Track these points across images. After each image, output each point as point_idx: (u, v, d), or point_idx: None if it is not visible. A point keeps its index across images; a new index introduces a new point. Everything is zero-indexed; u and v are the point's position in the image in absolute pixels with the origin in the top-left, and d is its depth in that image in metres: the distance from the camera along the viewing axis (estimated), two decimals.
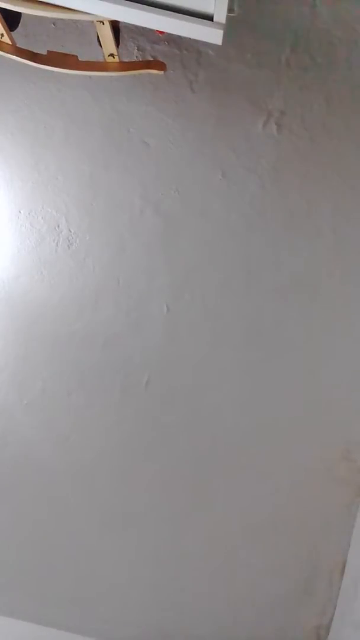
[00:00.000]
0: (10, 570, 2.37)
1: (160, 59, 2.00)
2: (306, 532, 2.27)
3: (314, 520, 2.26)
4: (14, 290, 2.22)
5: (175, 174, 2.10)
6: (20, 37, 1.94)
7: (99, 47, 1.82)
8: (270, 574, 2.29)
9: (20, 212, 2.16)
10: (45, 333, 2.23)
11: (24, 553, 2.36)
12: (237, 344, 2.19)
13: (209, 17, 1.41)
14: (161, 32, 1.89)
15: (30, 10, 1.56)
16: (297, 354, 2.18)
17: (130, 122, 2.07)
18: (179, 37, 1.90)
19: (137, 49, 2.01)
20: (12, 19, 1.79)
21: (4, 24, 1.68)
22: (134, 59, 2.01)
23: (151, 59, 2.00)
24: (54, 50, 1.84)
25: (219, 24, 1.42)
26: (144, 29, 1.93)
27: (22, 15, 1.82)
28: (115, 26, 1.76)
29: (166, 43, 2.00)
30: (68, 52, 1.82)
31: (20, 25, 1.88)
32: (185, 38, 1.91)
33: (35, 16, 1.61)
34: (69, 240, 2.17)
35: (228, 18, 1.41)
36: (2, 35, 1.72)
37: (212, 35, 1.44)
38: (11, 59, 1.78)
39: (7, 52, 1.76)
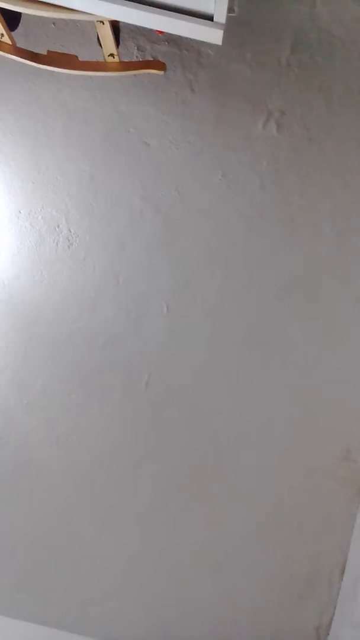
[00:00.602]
0: (10, 570, 2.37)
1: (160, 59, 2.00)
2: (306, 532, 2.27)
3: (314, 520, 2.26)
4: (14, 290, 2.22)
5: (175, 174, 2.10)
6: (20, 37, 1.94)
7: (99, 47, 1.82)
8: (270, 574, 2.29)
9: (20, 212, 2.16)
10: (45, 333, 2.23)
11: (24, 553, 2.36)
12: (237, 344, 2.19)
13: (209, 17, 1.42)
14: (161, 32, 1.89)
15: (30, 10, 1.56)
16: (297, 354, 2.18)
17: (130, 122, 2.07)
18: (179, 37, 1.89)
19: (137, 49, 2.01)
20: (12, 19, 1.79)
21: (4, 24, 1.68)
22: (134, 59, 2.01)
23: (151, 59, 2.01)
24: (54, 50, 1.84)
25: (219, 24, 1.42)
26: (144, 29, 1.93)
27: (22, 15, 1.82)
28: (115, 26, 1.76)
29: (166, 43, 2.00)
30: (68, 52, 1.82)
31: (20, 25, 1.88)
32: (185, 38, 1.91)
33: (35, 16, 1.61)
34: (69, 240, 2.17)
35: (228, 18, 1.42)
36: (2, 35, 1.72)
37: (212, 35, 1.44)
38: (11, 59, 1.78)
39: (7, 52, 1.76)
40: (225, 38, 1.45)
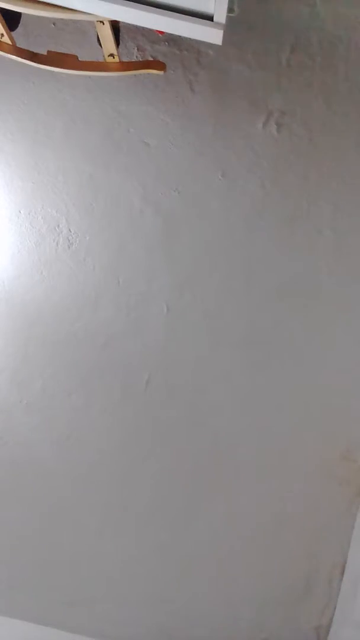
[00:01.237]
0: (10, 570, 2.37)
1: (160, 59, 2.00)
2: (306, 532, 2.27)
3: (314, 520, 2.26)
4: (14, 290, 2.22)
5: (175, 174, 2.10)
6: (20, 37, 1.94)
7: (99, 47, 1.81)
8: (270, 574, 2.29)
9: (20, 212, 2.16)
10: (45, 333, 2.23)
11: (24, 553, 2.36)
12: (237, 344, 2.19)
13: (209, 17, 1.41)
14: (161, 32, 1.89)
15: (30, 10, 1.56)
16: (297, 354, 2.18)
17: (130, 122, 2.07)
18: (179, 37, 1.90)
19: (137, 49, 2.01)
20: (12, 19, 1.78)
21: (4, 24, 1.68)
22: (134, 59, 2.01)
23: (151, 59, 2.00)
24: (54, 50, 1.84)
25: (219, 24, 1.42)
26: (144, 29, 1.93)
27: (22, 15, 1.82)
28: (115, 26, 1.76)
29: (166, 43, 1.99)
30: (68, 52, 1.82)
31: (20, 25, 1.88)
32: (185, 38, 1.91)
33: (35, 16, 1.61)
34: (69, 240, 2.17)
35: (228, 18, 1.41)
36: (2, 35, 1.72)
37: (212, 35, 1.44)
38: (11, 59, 1.78)
39: (7, 52, 1.75)
40: (225, 38, 1.45)
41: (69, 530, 2.33)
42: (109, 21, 1.63)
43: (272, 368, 2.20)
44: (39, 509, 2.33)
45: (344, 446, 2.22)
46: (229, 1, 1.37)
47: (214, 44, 1.49)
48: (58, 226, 2.16)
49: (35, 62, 1.78)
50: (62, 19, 1.93)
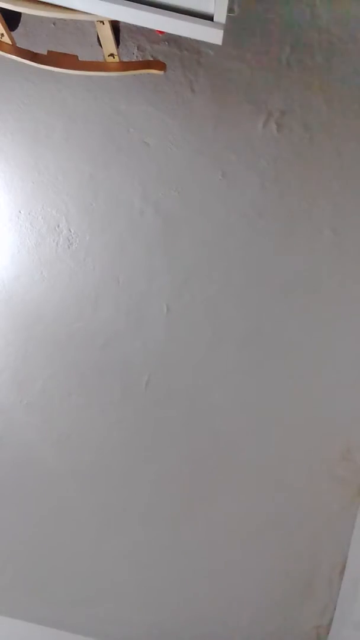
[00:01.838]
0: (10, 570, 2.37)
1: (160, 59, 2.00)
2: (306, 532, 2.27)
3: (314, 520, 2.26)
4: (14, 290, 2.22)
5: (175, 174, 2.10)
6: (20, 37, 1.94)
7: (99, 47, 1.81)
8: (270, 574, 2.29)
9: (20, 212, 2.16)
10: (45, 333, 2.23)
11: (24, 553, 2.36)
12: (237, 344, 2.19)
13: (209, 17, 1.41)
14: (161, 32, 1.89)
15: (30, 10, 1.56)
16: (297, 354, 2.18)
17: (130, 122, 2.07)
18: (179, 37, 1.90)
19: (137, 49, 2.01)
20: (12, 19, 1.79)
21: (4, 24, 1.68)
22: (134, 59, 2.01)
23: (151, 59, 2.00)
24: (54, 50, 1.83)
25: (219, 24, 1.42)
26: (144, 29, 1.93)
27: (22, 15, 1.82)
28: (115, 26, 1.76)
29: (166, 43, 1.99)
30: (68, 52, 1.82)
31: (20, 25, 1.88)
32: (185, 38, 1.91)
33: (35, 16, 1.61)
34: (69, 240, 2.17)
35: (228, 18, 1.41)
36: (2, 35, 1.72)
37: (212, 35, 1.44)
38: (11, 59, 1.78)
39: (7, 52, 1.75)
40: (225, 38, 1.45)
41: (69, 530, 2.33)
42: (109, 21, 1.63)
43: (272, 368, 2.20)
44: (39, 509, 2.32)
45: (344, 446, 2.22)
46: (229, 1, 1.37)
47: (214, 44, 1.49)
48: (58, 226, 2.16)
49: (35, 62, 1.78)
50: (62, 19, 1.93)
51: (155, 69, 1.88)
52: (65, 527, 2.33)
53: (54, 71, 1.81)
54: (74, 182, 2.13)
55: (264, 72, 2.00)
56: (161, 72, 1.90)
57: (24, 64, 1.78)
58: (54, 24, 2.01)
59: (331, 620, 2.29)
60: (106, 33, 1.69)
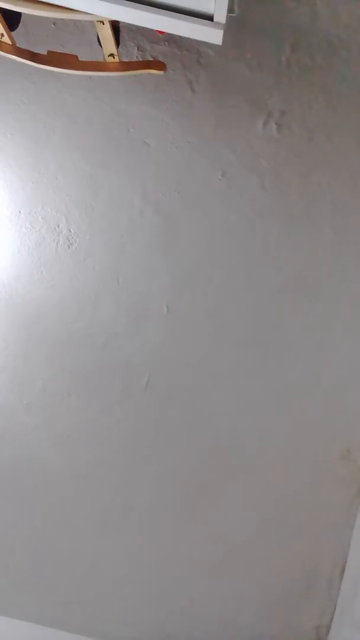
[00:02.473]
0: (10, 570, 2.37)
1: (160, 59, 1.99)
2: (306, 532, 2.27)
3: (314, 520, 2.26)
4: (14, 290, 2.22)
5: (176, 174, 2.10)
6: (20, 37, 1.94)
7: (99, 47, 1.81)
8: (270, 574, 2.29)
9: (20, 212, 2.16)
10: (45, 333, 2.23)
11: (24, 553, 2.36)
12: (237, 344, 2.19)
13: (209, 17, 1.41)
14: (161, 32, 1.89)
15: (30, 10, 1.56)
16: (297, 354, 2.18)
17: (130, 122, 2.07)
18: (179, 37, 1.89)
19: (137, 49, 2.01)
20: (12, 19, 1.78)
21: (4, 24, 1.68)
22: (134, 59, 2.01)
23: (151, 59, 2.00)
24: (54, 50, 1.83)
25: (219, 24, 1.42)
26: (144, 29, 1.93)
27: (22, 15, 1.82)
28: (115, 26, 1.76)
29: (166, 43, 1.99)
30: (68, 52, 1.82)
31: (20, 25, 1.88)
32: (185, 38, 1.91)
33: (35, 16, 1.61)
34: (69, 240, 2.17)
35: (228, 18, 1.41)
36: (2, 35, 1.72)
37: (212, 35, 1.44)
38: (11, 59, 1.78)
39: (7, 52, 1.75)
40: (225, 38, 1.45)
41: (68, 530, 2.33)
42: (109, 21, 1.63)
43: (272, 368, 2.20)
44: (39, 508, 2.33)
45: (344, 446, 2.22)
46: (229, 1, 1.37)
47: (214, 44, 1.49)
48: (58, 226, 2.16)
49: (35, 62, 1.78)
50: (62, 19, 1.93)
51: (155, 69, 1.88)
52: (65, 526, 2.33)
53: (54, 71, 1.81)
54: (74, 182, 2.13)
55: (264, 72, 2.00)
56: (161, 72, 1.90)
57: (24, 64, 1.78)
58: (54, 24, 2.01)
59: (331, 620, 2.29)
60: (106, 33, 1.69)
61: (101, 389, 2.24)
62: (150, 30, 1.94)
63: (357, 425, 2.21)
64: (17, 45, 1.78)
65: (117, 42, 1.79)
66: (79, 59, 1.81)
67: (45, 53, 1.80)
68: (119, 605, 2.35)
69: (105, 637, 2.36)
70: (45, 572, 2.36)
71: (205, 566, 2.31)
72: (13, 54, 1.76)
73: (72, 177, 2.13)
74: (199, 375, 2.21)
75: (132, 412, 2.25)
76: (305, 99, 2.01)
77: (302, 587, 2.29)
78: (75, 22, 1.99)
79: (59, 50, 1.85)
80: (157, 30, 1.88)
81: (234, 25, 1.89)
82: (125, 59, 1.96)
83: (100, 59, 1.83)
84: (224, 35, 1.43)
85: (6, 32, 1.71)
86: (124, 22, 1.59)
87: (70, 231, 2.16)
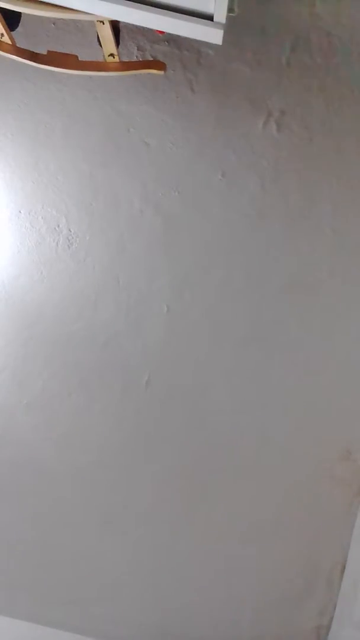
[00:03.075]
0: (10, 570, 2.37)
1: (160, 59, 2.00)
2: (306, 532, 2.27)
3: (314, 520, 2.26)
4: (14, 290, 2.22)
5: (175, 174, 2.10)
6: (20, 37, 1.94)
7: (99, 47, 1.81)
8: (270, 574, 2.29)
9: (20, 212, 2.16)
10: (45, 333, 2.23)
11: (24, 553, 2.36)
12: (237, 344, 2.19)
13: (209, 17, 1.41)
14: (161, 32, 1.89)
15: (30, 10, 1.56)
16: (297, 354, 2.18)
17: (130, 122, 2.07)
18: (179, 37, 1.89)
19: (137, 49, 2.01)
20: (12, 19, 1.78)
21: (4, 24, 1.68)
22: (134, 59, 2.01)
23: (151, 59, 2.00)
24: (54, 50, 1.83)
25: (219, 24, 1.42)
26: (144, 28, 1.93)
27: (22, 15, 1.82)
28: (115, 26, 1.76)
29: (166, 43, 2.00)
30: (68, 52, 1.82)
31: (20, 25, 1.88)
32: (185, 38, 1.91)
33: (35, 16, 1.61)
34: (69, 240, 2.17)
35: (228, 18, 1.41)
36: (2, 35, 1.72)
37: (212, 35, 1.44)
38: (11, 59, 1.78)
39: (7, 52, 1.75)
40: (225, 38, 1.45)
41: (68, 530, 2.33)
42: (109, 21, 1.63)
43: (271, 368, 2.20)
44: (39, 508, 2.33)
45: (344, 446, 2.22)
46: (229, 1, 1.37)
47: (214, 44, 1.49)
48: (58, 226, 2.16)
49: (35, 62, 1.78)
50: (62, 19, 1.93)
51: (155, 69, 1.88)
52: (65, 526, 2.33)
53: (54, 71, 1.81)
54: (74, 182, 2.13)
55: (264, 72, 2.00)
56: (161, 72, 1.89)
57: (24, 64, 1.78)
58: (54, 24, 2.01)
59: (331, 620, 2.29)
60: (106, 33, 1.69)
61: (101, 388, 2.24)
62: (150, 30, 1.94)
63: (357, 426, 2.21)
64: (17, 45, 1.78)
65: (117, 42, 1.79)
66: (79, 59, 1.81)
67: (45, 53, 1.80)
68: (119, 605, 2.35)
69: (105, 637, 2.36)
70: (45, 572, 2.36)
71: (205, 566, 2.31)
72: (13, 54, 1.76)
73: (72, 177, 2.13)
74: (199, 374, 2.21)
75: (132, 412, 2.25)
76: (305, 99, 2.02)
77: (302, 587, 2.29)
78: (75, 22, 1.99)
79: (59, 50, 1.84)
80: (157, 30, 1.88)
81: (234, 25, 1.89)
82: (125, 59, 1.96)
83: (100, 59, 1.83)
84: (224, 35, 1.43)
85: (6, 32, 1.71)
86: (124, 22, 1.59)
87: (70, 231, 2.16)
